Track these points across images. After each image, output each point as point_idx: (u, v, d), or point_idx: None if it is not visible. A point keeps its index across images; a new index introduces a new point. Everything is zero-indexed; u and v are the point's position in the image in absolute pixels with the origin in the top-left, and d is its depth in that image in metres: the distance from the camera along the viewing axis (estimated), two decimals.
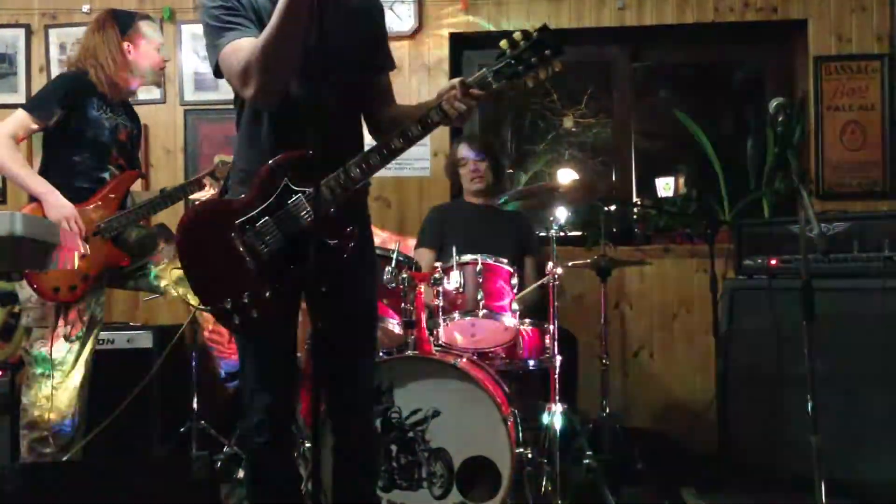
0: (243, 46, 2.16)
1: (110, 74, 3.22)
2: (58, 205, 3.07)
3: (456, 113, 2.16)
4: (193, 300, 3.31)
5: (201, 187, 3.43)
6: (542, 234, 4.00)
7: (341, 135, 2.31)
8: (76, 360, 3.15)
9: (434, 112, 2.18)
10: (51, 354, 3.10)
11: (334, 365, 2.37)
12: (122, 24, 3.28)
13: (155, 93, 4.75)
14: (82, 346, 3.17)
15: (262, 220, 2.23)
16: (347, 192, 2.23)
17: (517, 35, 2.13)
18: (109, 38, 3.24)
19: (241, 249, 2.23)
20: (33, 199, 3.12)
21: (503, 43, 2.14)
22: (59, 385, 3.12)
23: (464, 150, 4.11)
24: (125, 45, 3.25)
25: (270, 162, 2.24)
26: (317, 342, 2.22)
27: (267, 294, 2.23)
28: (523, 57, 2.15)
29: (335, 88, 2.24)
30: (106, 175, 3.25)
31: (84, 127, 3.18)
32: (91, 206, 3.18)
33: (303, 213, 2.22)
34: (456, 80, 2.18)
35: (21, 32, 4.80)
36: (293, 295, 2.33)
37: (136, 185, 3.48)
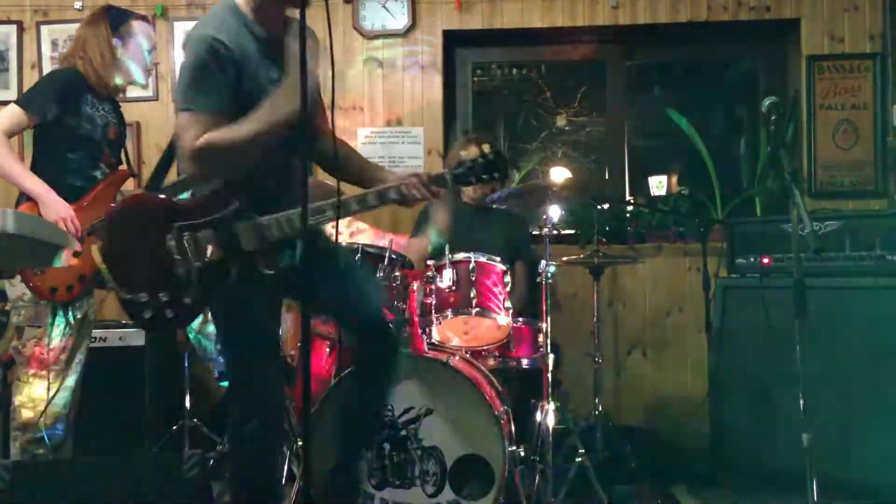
0: (207, 124, 2.25)
1: (97, 68, 3.18)
2: (55, 205, 3.04)
3: (412, 199, 2.48)
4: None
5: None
6: (535, 232, 4.00)
7: (293, 169, 2.40)
8: (70, 360, 3.14)
9: (392, 191, 2.46)
10: (45, 354, 3.09)
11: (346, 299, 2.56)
12: (115, 20, 3.25)
13: (148, 90, 4.74)
14: (76, 346, 3.16)
15: (204, 231, 2.33)
16: (294, 233, 2.34)
17: (485, 148, 2.58)
18: (100, 32, 3.21)
19: (173, 250, 2.32)
20: (25, 198, 3.09)
21: (464, 151, 2.58)
22: (53, 385, 3.10)
23: (473, 152, 4.04)
24: (115, 41, 3.22)
25: (231, 185, 2.34)
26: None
27: (187, 300, 2.35)
28: (476, 170, 2.49)
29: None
30: (98, 173, 3.23)
31: (78, 124, 3.15)
32: (85, 205, 3.16)
33: (244, 238, 2.33)
34: (418, 172, 2.51)
35: (13, 29, 4.78)
36: (213, 305, 2.43)
37: (129, 184, 3.46)
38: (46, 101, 3.09)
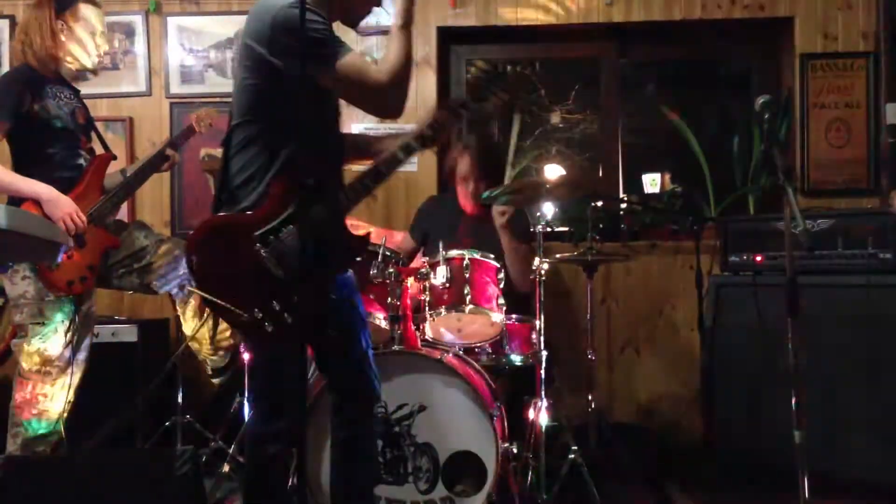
0: (369, 62, 2.41)
1: (38, 52, 3.15)
2: (59, 202, 3.02)
3: (443, 131, 2.54)
4: (206, 351, 3.36)
5: (165, 159, 3.39)
6: (530, 229, 3.99)
7: (340, 147, 2.58)
8: (74, 355, 3.13)
9: (428, 128, 2.51)
10: (49, 350, 3.07)
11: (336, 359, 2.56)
12: (60, 3, 3.21)
13: (141, 85, 4.74)
14: (79, 342, 3.15)
15: (286, 230, 2.32)
16: (362, 198, 2.44)
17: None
18: (43, 15, 3.18)
19: (266, 259, 2.30)
20: (12, 201, 3.06)
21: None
22: (55, 382, 3.09)
23: (464, 168, 3.97)
24: (58, 24, 3.18)
25: (288, 175, 2.34)
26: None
27: (297, 298, 2.30)
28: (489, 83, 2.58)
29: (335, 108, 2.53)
30: (81, 161, 3.22)
31: (50, 117, 3.13)
32: (77, 195, 3.14)
33: (322, 219, 2.32)
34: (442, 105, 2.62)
35: (5, 24, 4.76)
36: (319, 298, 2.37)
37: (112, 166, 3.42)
38: (9, 106, 3.07)
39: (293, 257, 2.30)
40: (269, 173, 2.35)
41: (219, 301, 2.32)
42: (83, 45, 3.24)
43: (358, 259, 2.57)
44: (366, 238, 2.52)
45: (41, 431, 3.07)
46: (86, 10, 3.25)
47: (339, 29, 2.41)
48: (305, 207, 2.26)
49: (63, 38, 3.19)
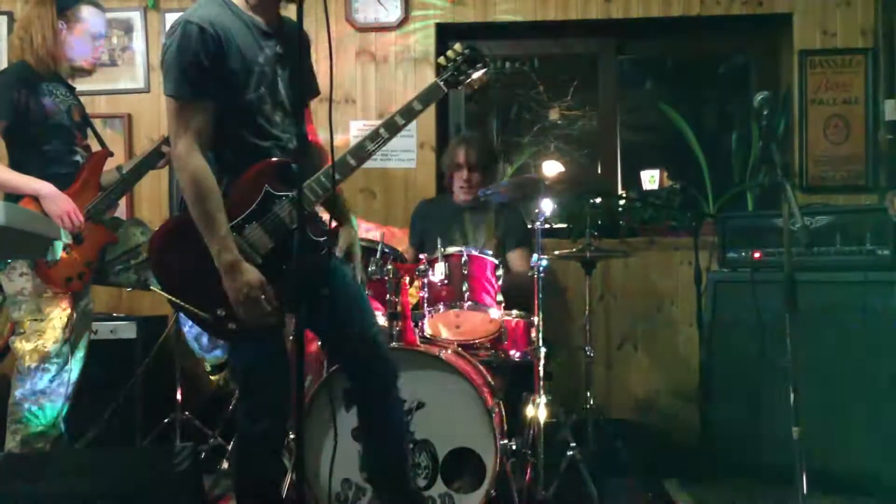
0: (188, 112, 2.26)
1: (36, 49, 3.15)
2: (57, 199, 3.02)
3: None
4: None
5: (160, 156, 3.39)
6: (528, 226, 4.00)
7: (304, 142, 2.49)
8: (72, 351, 3.13)
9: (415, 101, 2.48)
10: (48, 347, 3.07)
11: (355, 350, 2.55)
12: (63, 2, 3.21)
13: (139, 82, 4.73)
14: (78, 338, 3.15)
15: (249, 227, 2.32)
16: (328, 192, 2.37)
17: (457, 48, 2.52)
18: (44, 13, 3.17)
19: None
20: (9, 197, 3.06)
21: (441, 59, 2.54)
22: (54, 379, 3.09)
23: (461, 156, 4.02)
24: (59, 23, 3.18)
25: (251, 170, 2.32)
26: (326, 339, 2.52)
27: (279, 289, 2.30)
28: (461, 67, 2.52)
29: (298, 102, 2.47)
30: (77, 158, 3.22)
31: (45, 114, 3.13)
32: (75, 192, 3.14)
33: (287, 216, 2.32)
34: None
35: (3, 20, 4.75)
36: (287, 296, 2.35)
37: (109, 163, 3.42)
38: (6, 103, 3.06)
39: (258, 254, 2.32)
40: (224, 179, 2.34)
41: (180, 302, 2.33)
42: (82, 45, 3.24)
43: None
44: (336, 230, 2.51)
45: (39, 428, 3.06)
46: (86, 11, 3.25)
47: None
48: (266, 204, 2.31)
49: (63, 38, 3.19)
